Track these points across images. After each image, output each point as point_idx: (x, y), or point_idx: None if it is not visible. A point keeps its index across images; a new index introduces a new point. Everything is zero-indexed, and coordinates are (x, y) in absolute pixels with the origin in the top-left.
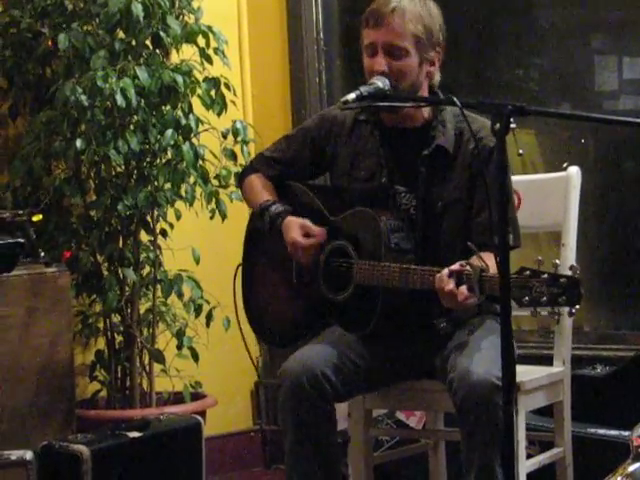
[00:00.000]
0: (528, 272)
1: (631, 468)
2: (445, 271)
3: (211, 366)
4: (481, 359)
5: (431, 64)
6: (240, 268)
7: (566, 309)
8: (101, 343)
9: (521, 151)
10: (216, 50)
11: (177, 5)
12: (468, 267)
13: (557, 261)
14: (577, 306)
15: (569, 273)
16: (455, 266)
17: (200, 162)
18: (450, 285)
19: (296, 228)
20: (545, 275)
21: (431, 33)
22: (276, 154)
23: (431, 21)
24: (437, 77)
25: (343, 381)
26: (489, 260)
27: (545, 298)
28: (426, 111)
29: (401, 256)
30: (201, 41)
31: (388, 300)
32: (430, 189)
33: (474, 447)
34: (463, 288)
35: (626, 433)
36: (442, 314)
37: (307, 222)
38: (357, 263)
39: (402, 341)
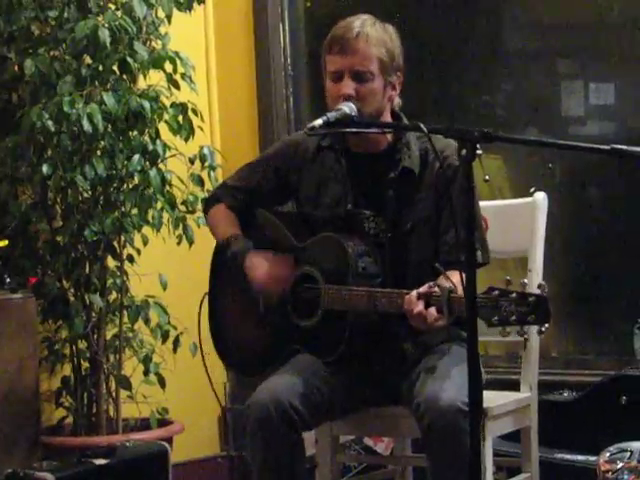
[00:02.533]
0: (497, 292)
1: None
2: (414, 293)
3: (178, 392)
4: (448, 385)
5: (393, 88)
6: (206, 296)
7: (535, 328)
8: (67, 369)
9: (487, 177)
10: (183, 76)
11: (144, 31)
12: (436, 288)
13: (525, 280)
14: (546, 324)
15: (537, 292)
16: (423, 288)
17: (167, 188)
18: (419, 307)
19: (259, 266)
20: (513, 294)
21: (393, 57)
22: (239, 183)
23: (392, 45)
24: (397, 100)
25: (311, 410)
26: (455, 278)
27: (514, 317)
28: (390, 134)
29: (369, 280)
30: (168, 67)
31: (357, 325)
32: (398, 211)
33: (441, 473)
34: (432, 310)
35: (593, 458)
36: (409, 338)
37: (269, 256)
38: (324, 288)
39: (370, 367)
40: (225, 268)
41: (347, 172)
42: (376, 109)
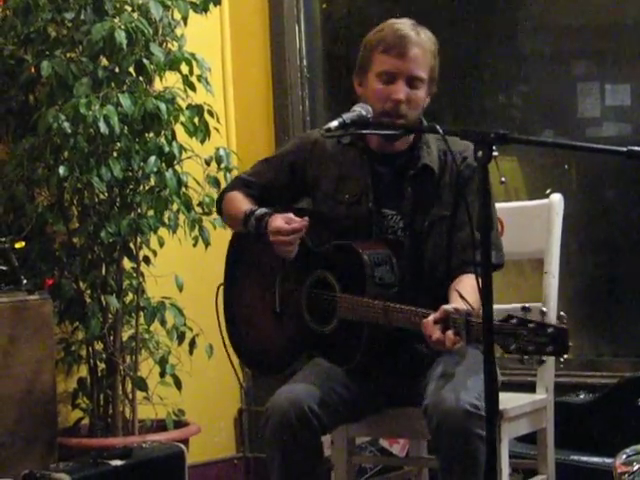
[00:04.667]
0: (515, 320)
1: None
2: (430, 318)
3: (194, 393)
4: (456, 386)
5: (429, 96)
6: (221, 288)
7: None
8: (83, 371)
9: (503, 179)
10: (199, 77)
11: (160, 32)
12: (453, 311)
13: (544, 309)
14: (565, 355)
15: (556, 322)
16: (440, 312)
17: (183, 189)
18: (437, 333)
19: (279, 218)
20: (532, 324)
21: (436, 68)
22: (254, 177)
23: (436, 54)
24: None
25: (330, 414)
26: (470, 282)
27: (532, 347)
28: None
29: (385, 290)
30: (184, 68)
31: (373, 334)
32: (416, 209)
33: (450, 475)
34: (450, 333)
35: (609, 460)
36: (425, 341)
37: (290, 214)
38: (340, 297)
39: (387, 371)
40: (243, 258)
41: (368, 170)
42: (416, 116)
